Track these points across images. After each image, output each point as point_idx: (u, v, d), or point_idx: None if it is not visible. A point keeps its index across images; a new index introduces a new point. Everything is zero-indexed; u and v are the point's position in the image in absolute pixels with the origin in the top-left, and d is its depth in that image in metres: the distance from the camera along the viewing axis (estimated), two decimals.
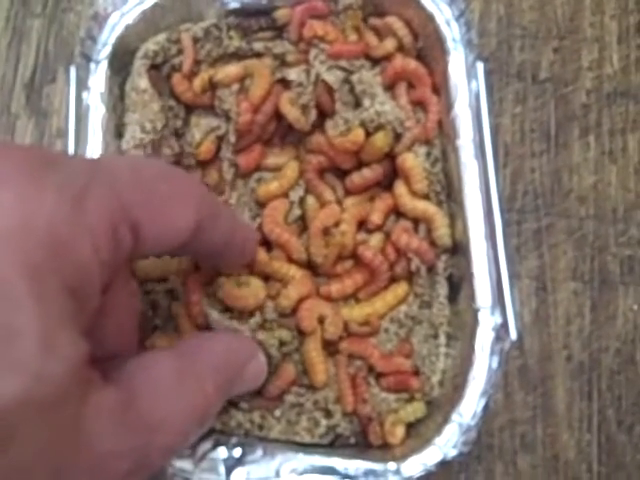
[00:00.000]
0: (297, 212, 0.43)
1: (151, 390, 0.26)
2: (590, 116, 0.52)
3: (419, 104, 0.44)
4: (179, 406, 0.27)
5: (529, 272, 0.50)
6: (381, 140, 0.42)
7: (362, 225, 0.43)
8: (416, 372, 0.41)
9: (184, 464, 0.37)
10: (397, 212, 0.44)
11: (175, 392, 0.27)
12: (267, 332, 0.40)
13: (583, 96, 0.53)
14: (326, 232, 0.42)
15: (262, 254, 0.41)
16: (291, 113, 0.42)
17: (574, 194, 0.51)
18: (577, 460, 0.47)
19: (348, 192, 0.44)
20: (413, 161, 0.42)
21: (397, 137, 0.42)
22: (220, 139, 0.44)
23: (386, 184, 0.44)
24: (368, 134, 0.42)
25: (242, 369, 0.31)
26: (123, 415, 0.25)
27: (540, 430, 0.47)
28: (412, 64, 0.43)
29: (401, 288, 0.43)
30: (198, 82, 0.43)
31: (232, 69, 0.42)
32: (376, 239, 0.43)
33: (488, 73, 0.43)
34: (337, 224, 0.42)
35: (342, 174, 0.44)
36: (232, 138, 0.43)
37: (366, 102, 0.42)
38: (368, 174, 0.43)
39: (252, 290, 0.40)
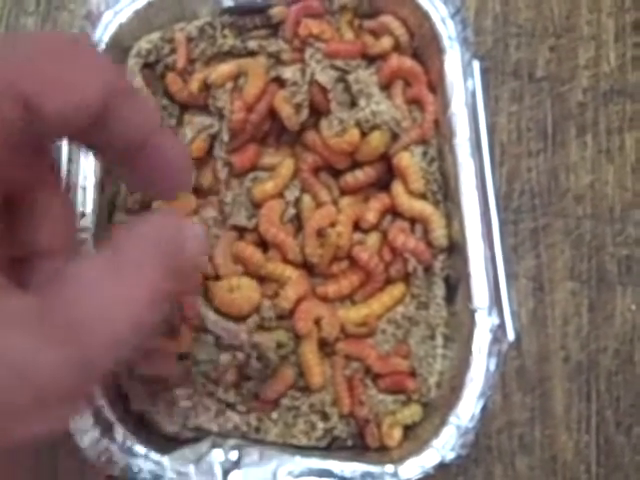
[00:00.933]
0: (292, 211, 0.43)
1: (80, 287, 0.23)
2: (587, 115, 0.52)
3: (415, 103, 0.44)
4: (118, 298, 0.23)
5: (526, 272, 0.49)
6: (377, 139, 0.41)
7: (358, 225, 0.43)
8: (413, 373, 0.41)
9: (181, 467, 0.36)
10: (394, 212, 0.43)
11: (110, 284, 0.23)
12: (265, 333, 0.39)
13: (580, 94, 0.52)
14: (322, 232, 0.42)
15: (257, 255, 0.41)
16: (285, 110, 0.42)
17: (571, 193, 0.51)
18: (575, 461, 0.47)
19: (343, 192, 0.44)
20: (409, 160, 0.42)
21: (393, 137, 0.42)
22: (213, 138, 0.43)
23: (383, 184, 0.43)
24: (364, 134, 0.42)
25: (181, 242, 0.27)
26: (42, 321, 0.21)
27: (538, 431, 0.47)
28: (408, 62, 0.43)
29: (397, 289, 0.42)
30: (195, 83, 0.42)
31: (225, 68, 0.42)
32: (373, 239, 0.43)
33: (484, 71, 0.42)
34: (333, 224, 0.42)
35: (337, 173, 0.44)
36: (225, 137, 0.42)
37: (362, 102, 0.42)
38: (361, 176, 0.43)
39: (245, 294, 0.40)
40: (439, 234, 0.41)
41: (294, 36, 0.42)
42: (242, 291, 0.40)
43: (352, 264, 0.43)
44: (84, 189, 0.40)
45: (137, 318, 0.23)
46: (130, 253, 0.24)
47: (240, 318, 0.40)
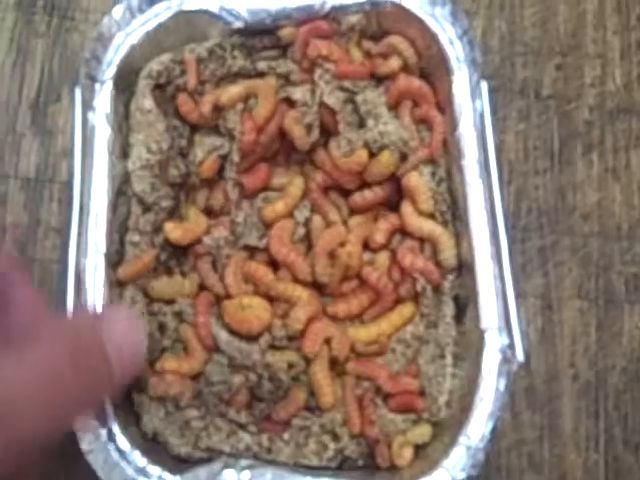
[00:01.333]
0: (302, 231, 0.43)
1: None
2: (593, 133, 0.52)
3: (423, 122, 0.44)
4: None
5: (534, 290, 0.49)
6: (386, 158, 0.42)
7: (367, 245, 0.43)
8: (422, 393, 0.41)
9: None
10: (403, 232, 0.43)
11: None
12: (277, 353, 0.40)
13: (586, 113, 0.53)
14: (332, 253, 0.42)
15: (269, 275, 0.41)
16: (295, 131, 0.42)
17: (578, 212, 0.51)
18: (584, 479, 0.47)
19: (352, 211, 0.44)
20: (418, 180, 0.42)
21: (403, 157, 0.42)
22: (223, 158, 0.44)
23: (392, 205, 0.44)
24: (372, 154, 0.42)
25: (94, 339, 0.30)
26: None
27: (547, 450, 0.47)
28: (416, 82, 0.43)
29: (407, 308, 0.42)
30: (207, 105, 0.42)
31: (235, 89, 0.42)
32: (382, 258, 0.43)
33: (491, 90, 0.43)
34: (342, 244, 0.42)
35: (347, 193, 0.45)
36: (236, 157, 0.43)
37: (370, 122, 0.42)
38: (369, 195, 0.43)
39: (256, 312, 0.40)
40: (448, 254, 0.41)
41: (303, 57, 0.43)
42: (253, 310, 0.40)
43: (362, 284, 0.43)
44: (96, 210, 0.40)
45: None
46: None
47: (251, 337, 0.40)
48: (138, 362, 0.33)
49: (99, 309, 0.38)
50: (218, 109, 0.43)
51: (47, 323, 0.33)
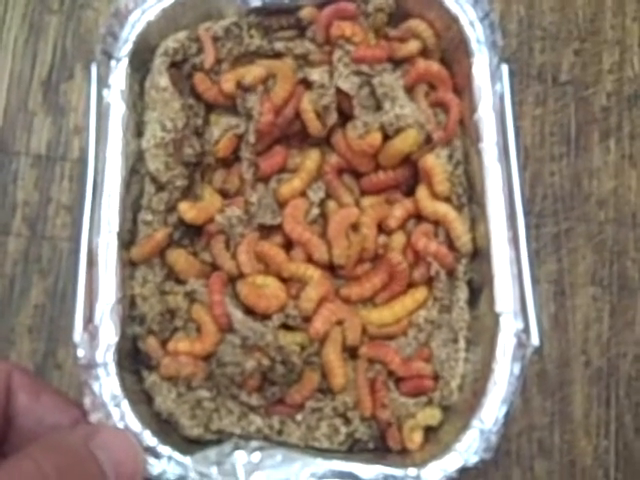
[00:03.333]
0: (316, 211, 0.43)
1: None
2: (610, 119, 0.52)
3: (440, 106, 0.43)
4: None
5: (548, 276, 0.49)
6: (413, 137, 0.41)
7: (381, 227, 0.43)
8: (435, 377, 0.41)
9: (204, 468, 0.36)
10: (418, 217, 0.43)
11: None
12: (289, 334, 0.39)
13: (603, 99, 0.52)
14: (345, 233, 0.42)
15: (281, 255, 0.41)
16: (309, 117, 0.42)
17: (594, 198, 0.51)
18: (594, 466, 0.47)
19: (364, 192, 0.44)
20: (435, 162, 0.42)
21: (427, 138, 0.41)
22: (239, 138, 0.43)
23: (407, 190, 0.43)
24: (387, 137, 0.42)
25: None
26: None
27: (557, 436, 0.47)
28: (435, 66, 0.43)
29: (420, 293, 0.42)
30: (229, 83, 0.42)
31: (258, 70, 0.42)
32: (397, 239, 0.43)
33: (508, 75, 0.42)
34: (356, 226, 0.42)
35: (361, 176, 0.44)
36: (252, 138, 0.42)
37: (387, 105, 0.42)
38: (382, 176, 0.43)
39: (273, 292, 0.40)
40: (463, 238, 0.41)
41: (325, 38, 0.42)
42: (269, 289, 0.40)
43: (375, 266, 0.43)
44: (109, 188, 0.40)
45: None
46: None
47: (266, 317, 0.40)
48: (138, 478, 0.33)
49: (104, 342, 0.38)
50: (243, 90, 0.42)
51: (44, 434, 0.33)
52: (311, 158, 0.43)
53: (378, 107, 0.42)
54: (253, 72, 0.42)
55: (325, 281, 0.41)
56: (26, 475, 0.28)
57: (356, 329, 0.40)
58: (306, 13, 0.43)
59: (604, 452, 0.47)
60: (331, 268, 0.42)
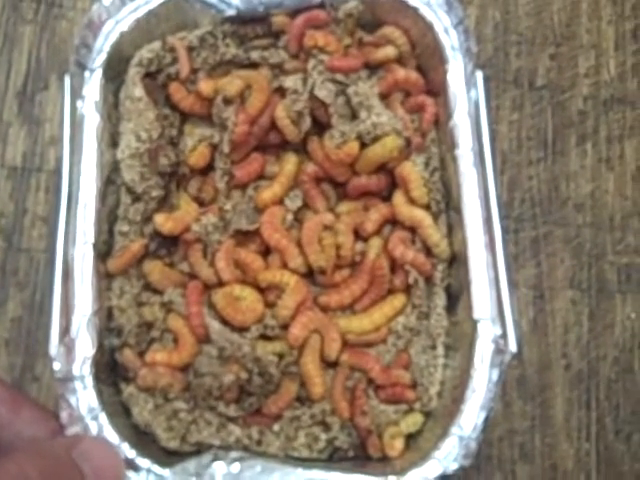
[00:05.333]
0: (290, 217, 0.43)
1: None
2: (587, 123, 0.52)
3: (416, 111, 0.44)
4: None
5: (526, 281, 0.49)
6: (393, 143, 0.41)
7: (357, 234, 0.43)
8: (414, 384, 0.41)
9: (183, 478, 0.36)
10: (393, 222, 0.43)
11: None
12: (268, 344, 0.39)
13: (580, 103, 0.53)
14: (318, 239, 0.42)
15: (257, 262, 0.41)
16: (284, 124, 0.42)
17: (571, 202, 0.51)
18: (576, 469, 0.47)
19: (345, 197, 0.44)
20: (411, 169, 0.42)
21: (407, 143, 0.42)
22: (214, 147, 0.43)
23: (384, 197, 0.44)
24: (364, 146, 0.42)
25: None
26: None
27: (539, 440, 0.47)
28: (413, 75, 0.43)
29: (397, 299, 0.42)
30: (208, 89, 0.42)
31: (238, 82, 0.42)
32: (375, 244, 0.42)
33: (484, 80, 0.42)
34: (330, 231, 0.42)
35: (338, 185, 0.44)
36: (225, 148, 0.42)
37: (363, 114, 0.42)
38: (365, 180, 0.43)
39: (248, 304, 0.40)
40: (441, 245, 0.41)
41: (298, 47, 0.42)
42: (245, 301, 0.40)
43: (354, 273, 0.43)
44: (84, 199, 0.39)
45: None
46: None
47: (243, 328, 0.40)
48: None
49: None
50: (212, 98, 0.42)
51: (25, 444, 0.34)
52: (290, 162, 0.43)
53: (354, 116, 0.42)
54: (234, 85, 0.41)
55: (302, 287, 0.41)
56: (9, 478, 0.27)
57: (334, 343, 0.40)
58: (278, 21, 0.43)
59: (585, 455, 0.47)
60: (309, 276, 0.42)
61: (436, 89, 0.43)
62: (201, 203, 0.43)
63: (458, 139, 0.41)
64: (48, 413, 0.36)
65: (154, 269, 0.41)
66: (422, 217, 0.41)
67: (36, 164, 0.49)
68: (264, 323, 0.40)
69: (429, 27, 0.42)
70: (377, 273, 0.42)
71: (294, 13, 0.43)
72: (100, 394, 0.37)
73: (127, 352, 0.39)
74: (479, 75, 0.42)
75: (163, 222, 0.41)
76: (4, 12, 0.51)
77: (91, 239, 0.39)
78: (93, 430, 0.36)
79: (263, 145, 0.44)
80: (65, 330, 0.37)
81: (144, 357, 0.39)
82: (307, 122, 0.42)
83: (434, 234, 0.41)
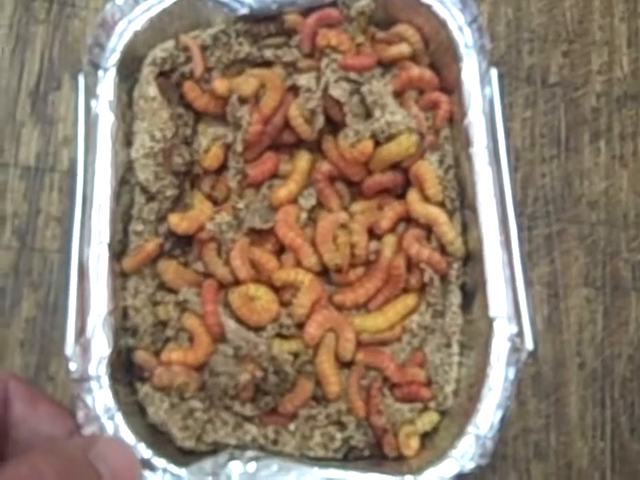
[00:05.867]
0: (304, 216, 0.43)
1: None
2: (600, 120, 0.52)
3: (430, 109, 0.43)
4: None
5: (541, 279, 0.49)
6: (409, 141, 0.41)
7: (372, 232, 0.43)
8: (429, 382, 0.41)
9: (199, 479, 0.36)
10: (408, 220, 0.43)
11: None
12: (283, 342, 0.39)
13: (593, 100, 0.52)
14: (333, 238, 0.42)
15: (272, 262, 0.41)
16: (297, 123, 0.42)
17: (585, 199, 0.51)
18: (590, 468, 0.47)
19: (360, 195, 0.44)
20: (426, 167, 0.42)
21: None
22: (227, 147, 0.43)
23: (398, 195, 0.43)
24: (379, 144, 0.42)
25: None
26: None
27: (553, 438, 0.47)
28: (427, 73, 0.43)
29: (410, 299, 0.42)
30: (223, 87, 0.42)
31: (254, 82, 0.42)
32: (389, 242, 0.42)
33: (497, 77, 0.42)
34: (343, 227, 0.42)
35: (352, 184, 0.44)
36: (239, 147, 0.42)
37: (377, 113, 0.41)
38: (381, 178, 0.43)
39: (264, 304, 0.40)
40: (455, 243, 0.41)
41: (311, 46, 0.42)
42: (261, 301, 0.40)
43: (368, 272, 0.43)
44: (99, 199, 0.39)
45: None
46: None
47: (258, 328, 0.40)
48: None
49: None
50: (227, 96, 0.42)
51: (42, 443, 0.34)
52: (303, 159, 0.43)
53: (368, 114, 0.42)
54: (250, 85, 0.41)
55: (317, 285, 0.41)
56: (26, 477, 0.27)
57: (349, 343, 0.40)
58: (290, 20, 0.42)
59: (600, 453, 0.47)
60: (323, 275, 0.42)
61: (450, 87, 0.43)
62: (214, 201, 0.43)
63: (473, 137, 0.41)
64: (65, 411, 0.36)
65: (168, 268, 0.41)
66: (437, 215, 0.41)
67: (49, 164, 0.49)
68: (280, 322, 0.40)
69: (443, 25, 0.42)
70: (393, 272, 0.41)
71: (307, 11, 0.43)
72: (116, 394, 0.37)
73: (141, 352, 0.39)
74: (493, 73, 0.42)
75: (178, 222, 0.41)
76: (16, 12, 0.51)
77: (106, 239, 0.39)
78: (109, 430, 0.36)
79: (277, 144, 0.44)
80: (81, 330, 0.37)
81: (159, 356, 0.39)
82: (320, 121, 0.42)
83: (449, 232, 0.41)
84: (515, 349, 0.38)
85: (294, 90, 0.43)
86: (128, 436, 0.36)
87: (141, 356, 0.39)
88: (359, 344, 0.41)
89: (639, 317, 0.49)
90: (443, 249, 0.42)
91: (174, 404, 0.39)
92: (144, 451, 0.36)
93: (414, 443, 0.39)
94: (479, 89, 0.41)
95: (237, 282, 0.41)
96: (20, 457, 0.29)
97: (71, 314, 0.37)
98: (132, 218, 0.41)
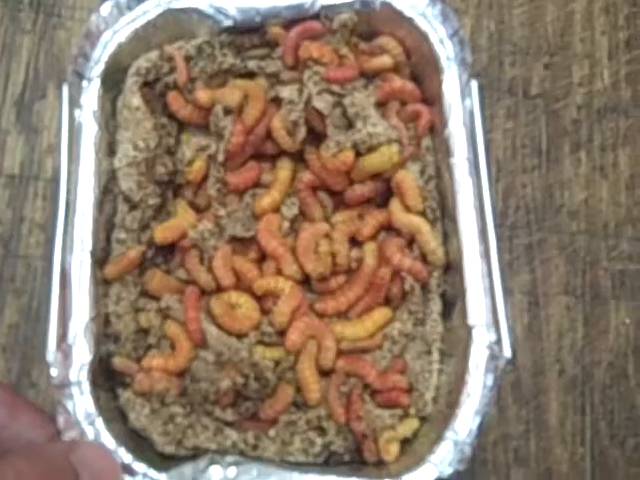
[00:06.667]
0: (287, 224, 0.43)
1: None
2: (581, 131, 0.53)
3: (412, 120, 0.44)
4: None
5: (521, 287, 0.50)
6: (389, 151, 0.42)
7: (352, 241, 0.43)
8: (409, 389, 0.41)
9: None
10: (388, 229, 0.44)
11: None
12: (265, 350, 0.40)
13: (574, 112, 0.53)
14: (315, 248, 0.42)
15: (253, 272, 0.41)
16: (279, 135, 0.42)
17: (565, 209, 0.51)
18: (570, 474, 0.47)
19: (342, 205, 0.44)
20: (407, 178, 0.42)
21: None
22: (211, 158, 0.43)
23: (379, 204, 0.44)
24: (359, 155, 0.42)
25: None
26: None
27: (533, 444, 0.47)
28: (409, 85, 0.44)
29: (387, 310, 0.43)
30: (205, 98, 0.42)
31: (237, 95, 0.42)
32: (370, 249, 0.43)
33: (479, 89, 0.43)
34: (325, 236, 0.42)
35: (334, 194, 0.45)
36: (220, 157, 0.42)
37: (359, 124, 0.42)
38: (363, 189, 0.43)
39: (245, 312, 0.40)
40: (437, 252, 0.41)
41: (294, 58, 0.43)
42: (242, 309, 0.40)
43: (350, 279, 0.43)
44: (82, 207, 0.40)
45: None
46: None
47: (240, 335, 0.40)
48: None
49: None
50: (210, 107, 0.42)
51: (23, 447, 0.34)
52: (284, 167, 0.44)
53: (350, 125, 0.43)
54: (234, 96, 0.42)
55: (297, 293, 0.41)
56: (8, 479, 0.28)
57: (329, 352, 0.41)
58: (272, 33, 0.43)
59: (580, 459, 0.48)
60: (305, 283, 0.43)
61: (431, 98, 0.44)
62: (197, 209, 0.43)
63: (453, 148, 0.41)
64: (46, 417, 0.36)
65: (153, 278, 0.41)
66: (420, 224, 0.42)
67: (34, 172, 0.50)
68: (261, 330, 0.40)
69: (424, 37, 0.43)
70: (377, 282, 0.42)
71: (290, 24, 0.43)
72: (97, 400, 0.37)
73: (120, 358, 0.40)
74: (474, 85, 0.42)
75: (161, 235, 0.41)
76: (2, 23, 0.52)
77: (88, 247, 0.39)
78: (90, 435, 0.36)
79: (259, 154, 0.44)
80: (62, 336, 0.38)
81: (141, 363, 0.40)
82: (302, 132, 0.43)
83: (431, 241, 0.41)
84: (494, 356, 0.38)
85: (277, 101, 0.43)
86: (109, 441, 0.36)
87: (122, 362, 0.39)
88: (340, 352, 0.41)
89: (619, 325, 0.50)
90: (424, 258, 0.42)
91: (155, 409, 0.39)
92: (124, 456, 0.36)
93: (394, 449, 0.40)
94: (460, 101, 0.42)
95: (219, 289, 0.41)
96: (1, 460, 0.29)
97: (53, 320, 0.38)
98: (115, 226, 0.42)
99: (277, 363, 0.40)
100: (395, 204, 0.43)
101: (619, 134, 0.53)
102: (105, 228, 0.41)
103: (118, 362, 0.39)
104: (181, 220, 0.42)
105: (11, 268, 0.48)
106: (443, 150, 0.42)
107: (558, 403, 0.48)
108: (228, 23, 0.43)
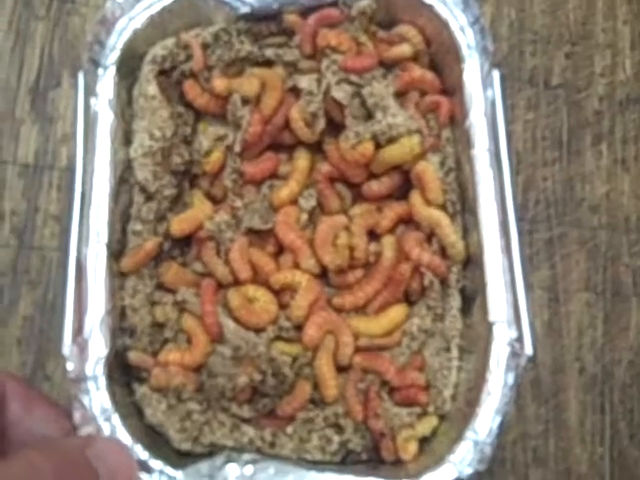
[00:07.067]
0: (305, 217, 0.42)
1: None
2: (603, 123, 0.52)
3: (431, 111, 0.43)
4: None
5: (541, 283, 0.49)
6: (409, 142, 0.41)
7: (370, 234, 0.43)
8: (428, 386, 0.40)
9: None
10: (408, 222, 0.43)
11: None
12: (283, 344, 0.39)
13: (595, 103, 0.52)
14: (332, 241, 0.41)
15: (270, 265, 0.41)
16: (298, 126, 0.42)
17: (586, 203, 0.50)
18: (589, 474, 0.47)
19: (360, 197, 0.44)
20: (427, 169, 0.41)
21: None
22: (228, 148, 0.43)
23: (398, 196, 0.43)
24: (379, 146, 0.41)
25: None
26: None
27: (552, 444, 0.47)
28: (429, 75, 0.43)
29: (404, 307, 0.42)
30: (222, 86, 0.41)
31: (255, 84, 0.41)
32: (389, 242, 0.42)
33: (501, 79, 0.42)
34: (343, 229, 0.42)
35: (352, 185, 0.44)
36: (237, 147, 0.42)
37: (378, 114, 0.41)
38: (375, 186, 0.43)
39: (263, 306, 0.39)
40: (457, 246, 0.41)
41: (312, 47, 0.42)
42: (260, 303, 0.40)
43: (368, 274, 0.42)
44: (98, 198, 0.39)
45: None
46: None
47: (258, 329, 0.39)
48: None
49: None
50: (227, 96, 0.42)
51: (38, 441, 0.33)
52: (302, 157, 0.43)
53: (369, 116, 0.42)
54: (252, 85, 0.41)
55: (314, 286, 0.40)
56: (23, 475, 0.27)
57: (347, 347, 0.40)
58: (289, 20, 0.42)
59: (599, 459, 0.47)
60: (323, 277, 0.42)
61: (451, 88, 0.43)
62: (213, 199, 0.43)
63: (474, 139, 0.40)
64: (61, 411, 0.36)
65: (169, 270, 0.41)
66: (440, 217, 0.41)
67: (48, 162, 0.49)
68: (278, 325, 0.40)
69: (445, 25, 0.42)
70: (397, 278, 0.41)
71: (308, 11, 0.42)
72: (113, 395, 0.37)
73: (136, 352, 0.39)
74: (496, 74, 0.41)
75: (178, 227, 0.41)
76: (16, 9, 0.51)
77: (104, 239, 0.39)
78: (106, 431, 0.36)
79: (277, 144, 0.43)
80: (78, 330, 0.37)
81: (157, 357, 0.39)
82: (321, 123, 0.42)
83: (451, 234, 0.41)
84: (514, 354, 0.38)
85: (295, 91, 0.42)
86: (125, 437, 0.36)
87: (136, 356, 0.39)
88: (357, 347, 0.40)
89: (639, 323, 0.49)
90: (443, 252, 0.41)
91: (171, 405, 0.38)
92: (141, 453, 0.36)
93: (412, 447, 0.39)
94: (481, 91, 0.41)
95: (236, 282, 0.41)
96: (16, 454, 0.28)
97: (68, 314, 0.37)
98: (131, 217, 0.41)
99: (294, 359, 0.39)
100: (415, 197, 0.42)
101: None
102: (121, 219, 0.41)
103: (134, 356, 0.39)
104: (197, 211, 0.42)
105: (26, 260, 0.48)
106: (463, 141, 0.41)
107: (577, 402, 0.47)
108: (245, 10, 0.42)
